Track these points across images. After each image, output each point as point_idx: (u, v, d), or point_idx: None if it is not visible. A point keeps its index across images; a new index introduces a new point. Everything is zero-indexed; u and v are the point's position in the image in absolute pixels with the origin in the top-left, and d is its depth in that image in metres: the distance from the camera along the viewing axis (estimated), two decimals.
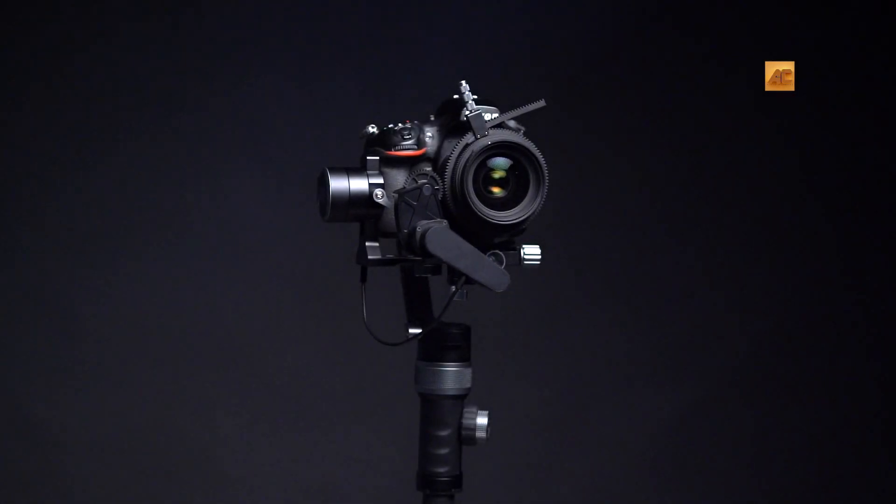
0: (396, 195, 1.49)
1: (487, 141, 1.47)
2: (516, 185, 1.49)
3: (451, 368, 1.53)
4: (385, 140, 1.53)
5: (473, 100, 1.49)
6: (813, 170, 2.97)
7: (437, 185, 1.48)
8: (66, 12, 2.76)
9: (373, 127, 1.55)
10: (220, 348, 2.81)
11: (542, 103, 1.50)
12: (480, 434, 1.53)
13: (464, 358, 1.54)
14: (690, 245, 2.95)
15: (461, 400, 1.54)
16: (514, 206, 1.49)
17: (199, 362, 2.80)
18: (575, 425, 2.91)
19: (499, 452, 2.72)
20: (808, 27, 2.93)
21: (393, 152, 1.52)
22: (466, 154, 1.48)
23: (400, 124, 1.53)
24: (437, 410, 1.53)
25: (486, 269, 1.46)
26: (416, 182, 1.48)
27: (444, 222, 1.46)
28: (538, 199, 1.48)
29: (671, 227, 2.94)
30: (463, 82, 1.49)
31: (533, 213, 1.48)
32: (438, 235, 1.45)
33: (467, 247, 1.46)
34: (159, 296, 2.79)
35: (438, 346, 1.53)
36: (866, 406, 2.98)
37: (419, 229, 1.46)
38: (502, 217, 1.48)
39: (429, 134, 1.53)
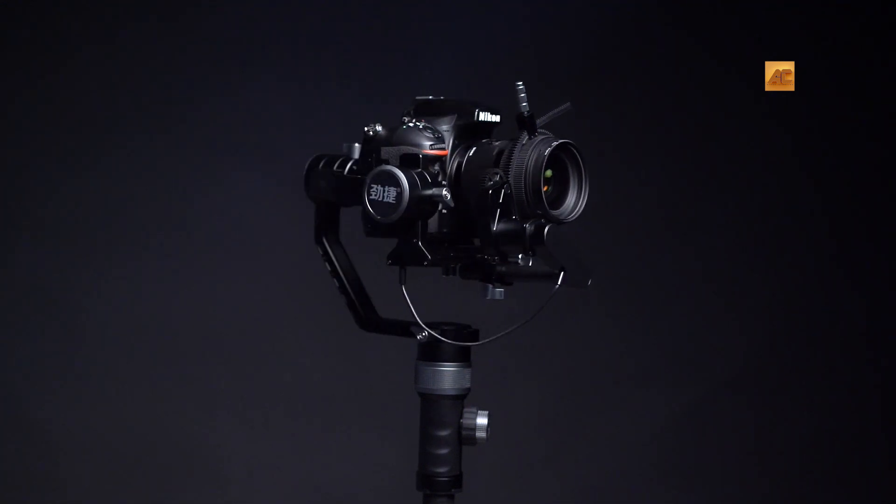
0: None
1: (554, 141, 1.48)
2: (560, 183, 1.50)
3: (450, 368, 1.53)
4: (412, 139, 1.52)
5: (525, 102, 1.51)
6: (813, 169, 2.97)
7: (506, 182, 1.49)
8: (66, 13, 2.77)
9: (379, 125, 1.54)
10: (219, 348, 2.81)
11: (568, 106, 1.51)
12: (480, 434, 1.53)
13: (464, 358, 1.54)
14: (690, 245, 2.95)
15: (461, 400, 1.54)
16: (561, 203, 1.49)
17: (199, 362, 2.80)
18: (575, 425, 2.92)
19: (499, 452, 2.72)
20: (808, 27, 2.93)
21: (430, 151, 1.52)
22: (534, 154, 1.48)
23: (414, 122, 1.53)
24: (437, 410, 1.53)
25: (573, 266, 1.48)
26: (492, 180, 1.48)
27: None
28: (585, 193, 1.50)
29: (671, 227, 2.94)
30: (520, 83, 1.49)
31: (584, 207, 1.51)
32: (553, 234, 1.46)
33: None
34: (159, 296, 2.79)
35: (438, 346, 1.53)
36: (866, 406, 2.98)
37: (529, 227, 1.46)
38: (560, 214, 1.49)
39: (440, 135, 1.54)
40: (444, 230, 1.51)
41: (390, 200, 1.50)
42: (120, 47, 2.78)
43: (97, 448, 2.77)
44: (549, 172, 1.48)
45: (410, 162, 1.51)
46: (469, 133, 1.53)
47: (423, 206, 1.49)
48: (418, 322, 1.53)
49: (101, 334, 2.78)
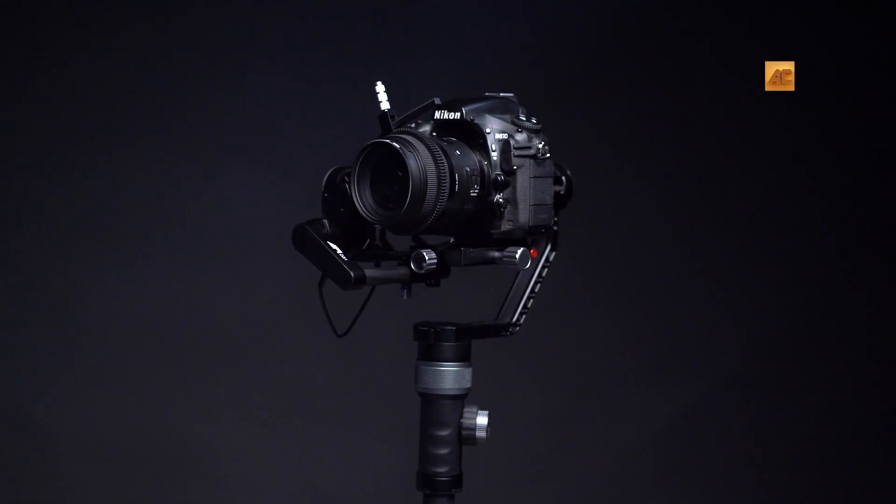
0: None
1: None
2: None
3: (450, 368, 1.53)
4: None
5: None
6: (813, 170, 2.97)
7: None
8: (67, 12, 2.77)
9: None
10: (219, 348, 2.81)
11: (432, 101, 1.51)
12: (480, 434, 1.53)
13: (464, 358, 1.54)
14: (690, 245, 2.95)
15: (461, 400, 1.54)
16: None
17: (199, 362, 2.80)
18: (575, 425, 2.92)
19: (499, 452, 2.72)
20: (808, 27, 2.93)
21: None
22: None
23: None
24: (437, 410, 1.53)
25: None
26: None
27: None
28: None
29: (671, 227, 2.94)
30: (379, 83, 1.51)
31: None
32: None
33: None
34: (159, 296, 2.79)
35: (439, 345, 1.53)
36: (866, 406, 2.98)
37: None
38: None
39: None
40: None
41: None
42: (122, 46, 2.78)
43: (97, 448, 2.77)
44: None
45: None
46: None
47: None
48: None
49: (102, 334, 2.78)
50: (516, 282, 1.60)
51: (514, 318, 1.59)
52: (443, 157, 1.46)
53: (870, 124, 2.97)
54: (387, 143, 1.45)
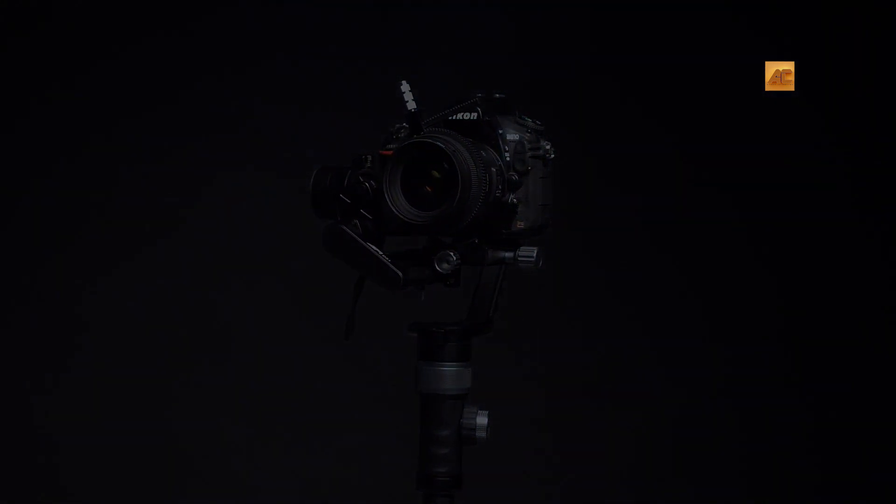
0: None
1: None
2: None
3: (450, 368, 1.53)
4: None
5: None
6: (813, 169, 2.97)
7: None
8: (66, 10, 2.77)
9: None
10: (220, 349, 2.81)
11: (475, 99, 1.50)
12: (480, 434, 1.53)
13: (464, 357, 1.54)
14: (690, 245, 2.95)
15: (461, 400, 1.54)
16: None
17: (201, 363, 2.80)
18: (575, 425, 2.92)
19: (499, 452, 2.72)
20: (808, 27, 2.93)
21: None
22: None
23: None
24: (437, 410, 1.53)
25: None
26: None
27: None
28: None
29: (671, 227, 2.94)
30: (404, 82, 1.48)
31: None
32: None
33: None
34: (159, 296, 2.79)
35: (438, 345, 1.53)
36: (866, 406, 2.97)
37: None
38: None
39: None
40: None
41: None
42: (123, 46, 2.78)
43: (96, 448, 2.77)
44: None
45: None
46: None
47: None
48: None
49: (101, 333, 2.78)
50: (481, 280, 1.59)
51: (491, 315, 1.59)
52: (480, 158, 1.45)
53: (870, 124, 2.97)
54: (430, 142, 1.43)
